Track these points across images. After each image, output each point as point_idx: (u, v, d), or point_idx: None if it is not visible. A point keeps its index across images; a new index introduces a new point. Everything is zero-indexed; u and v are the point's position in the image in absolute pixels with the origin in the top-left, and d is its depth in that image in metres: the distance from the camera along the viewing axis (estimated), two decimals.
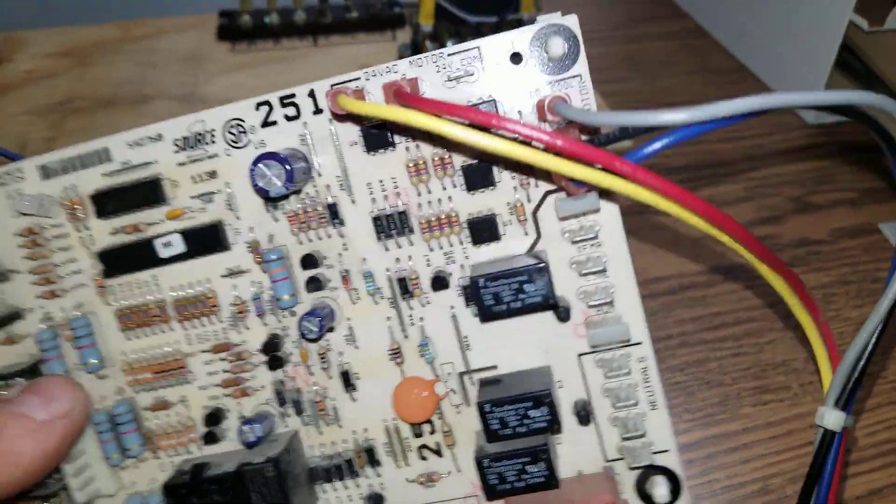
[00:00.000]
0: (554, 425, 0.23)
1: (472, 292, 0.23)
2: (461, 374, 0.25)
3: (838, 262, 0.41)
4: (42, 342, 0.26)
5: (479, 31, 0.53)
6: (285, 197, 0.24)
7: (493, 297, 0.23)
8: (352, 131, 0.24)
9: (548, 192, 0.24)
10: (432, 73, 0.24)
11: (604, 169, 0.20)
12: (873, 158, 0.49)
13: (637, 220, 0.44)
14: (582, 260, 0.24)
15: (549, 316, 0.24)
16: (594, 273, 0.24)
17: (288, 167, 0.22)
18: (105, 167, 0.25)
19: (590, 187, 0.22)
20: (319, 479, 0.26)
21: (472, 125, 0.20)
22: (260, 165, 0.22)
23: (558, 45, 0.23)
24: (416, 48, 0.52)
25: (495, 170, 0.24)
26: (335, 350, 0.25)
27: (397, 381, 0.25)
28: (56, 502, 0.26)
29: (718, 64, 0.59)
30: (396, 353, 0.25)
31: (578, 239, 0.24)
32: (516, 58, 0.23)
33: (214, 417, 0.26)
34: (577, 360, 0.25)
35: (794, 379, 0.35)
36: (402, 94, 0.22)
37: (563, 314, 0.24)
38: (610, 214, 0.24)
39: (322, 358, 0.25)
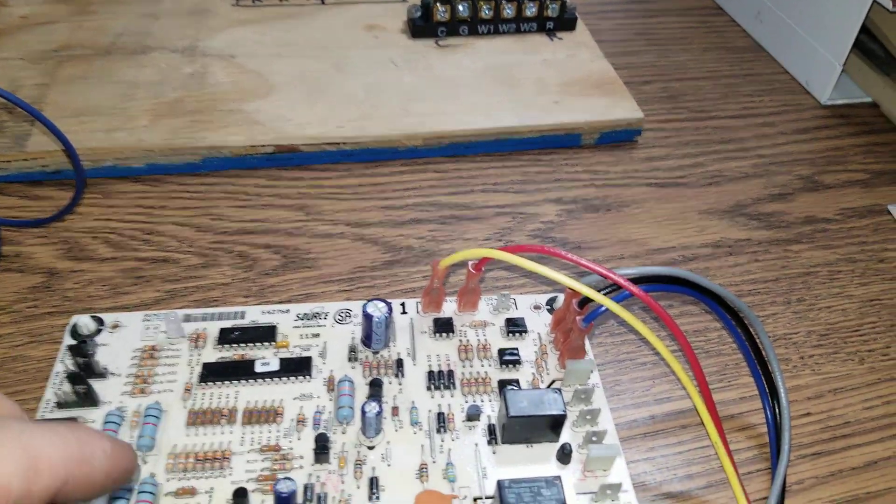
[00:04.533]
0: None
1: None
2: (475, 500, 0.27)
3: (845, 241, 0.41)
4: (106, 419, 0.28)
5: None
6: (369, 346, 0.31)
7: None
8: (425, 323, 0.32)
9: (553, 380, 0.31)
10: None
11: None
12: (886, 141, 0.48)
13: (642, 191, 0.43)
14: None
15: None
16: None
17: (388, 309, 0.30)
18: (237, 321, 0.32)
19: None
20: None
21: None
22: (373, 301, 0.30)
23: None
24: (426, 9, 0.51)
25: (521, 355, 0.31)
26: (369, 465, 0.28)
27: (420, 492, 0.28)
28: None
29: (734, 42, 0.58)
30: (423, 469, 0.28)
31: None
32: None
33: (241, 492, 0.27)
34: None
35: (794, 352, 0.34)
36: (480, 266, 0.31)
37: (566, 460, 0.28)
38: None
39: (357, 465, 0.28)
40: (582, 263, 0.28)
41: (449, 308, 0.33)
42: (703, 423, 0.29)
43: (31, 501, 0.17)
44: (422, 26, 0.51)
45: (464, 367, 0.31)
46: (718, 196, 0.43)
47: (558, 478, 0.26)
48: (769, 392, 0.29)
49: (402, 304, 0.33)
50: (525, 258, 0.28)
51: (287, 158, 0.43)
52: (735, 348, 0.34)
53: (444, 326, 0.32)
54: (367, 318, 0.30)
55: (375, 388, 0.29)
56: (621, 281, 0.27)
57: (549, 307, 0.33)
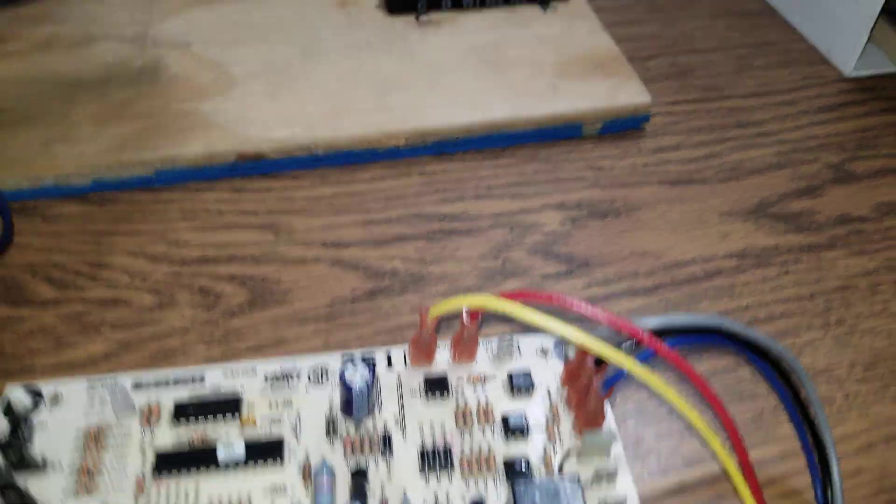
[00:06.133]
0: None
1: None
2: None
3: (884, 244, 0.36)
4: None
5: None
6: (350, 414, 0.26)
7: None
8: (415, 380, 0.28)
9: (567, 454, 0.26)
10: None
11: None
12: None
13: (652, 191, 0.38)
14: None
15: None
16: None
17: (370, 372, 0.25)
18: (195, 387, 0.27)
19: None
20: None
21: None
22: (351, 363, 0.26)
23: None
24: None
25: (529, 419, 0.27)
26: None
27: None
28: None
29: (744, 6, 0.52)
30: None
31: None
32: None
33: None
34: None
35: (837, 389, 0.30)
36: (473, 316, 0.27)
37: None
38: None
39: None
40: (601, 319, 0.23)
41: (442, 357, 0.28)
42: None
43: None
44: (399, 0, 0.46)
45: (463, 439, 0.26)
46: (740, 193, 0.38)
47: None
48: (819, 465, 0.24)
49: (388, 357, 0.28)
50: (528, 308, 0.24)
51: (251, 167, 0.38)
52: (770, 388, 0.30)
53: (437, 385, 0.27)
54: (347, 388, 0.25)
55: (359, 481, 0.25)
56: (649, 340, 0.23)
57: (558, 352, 0.29)
